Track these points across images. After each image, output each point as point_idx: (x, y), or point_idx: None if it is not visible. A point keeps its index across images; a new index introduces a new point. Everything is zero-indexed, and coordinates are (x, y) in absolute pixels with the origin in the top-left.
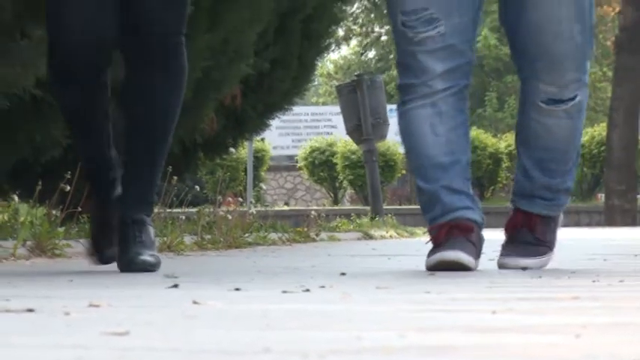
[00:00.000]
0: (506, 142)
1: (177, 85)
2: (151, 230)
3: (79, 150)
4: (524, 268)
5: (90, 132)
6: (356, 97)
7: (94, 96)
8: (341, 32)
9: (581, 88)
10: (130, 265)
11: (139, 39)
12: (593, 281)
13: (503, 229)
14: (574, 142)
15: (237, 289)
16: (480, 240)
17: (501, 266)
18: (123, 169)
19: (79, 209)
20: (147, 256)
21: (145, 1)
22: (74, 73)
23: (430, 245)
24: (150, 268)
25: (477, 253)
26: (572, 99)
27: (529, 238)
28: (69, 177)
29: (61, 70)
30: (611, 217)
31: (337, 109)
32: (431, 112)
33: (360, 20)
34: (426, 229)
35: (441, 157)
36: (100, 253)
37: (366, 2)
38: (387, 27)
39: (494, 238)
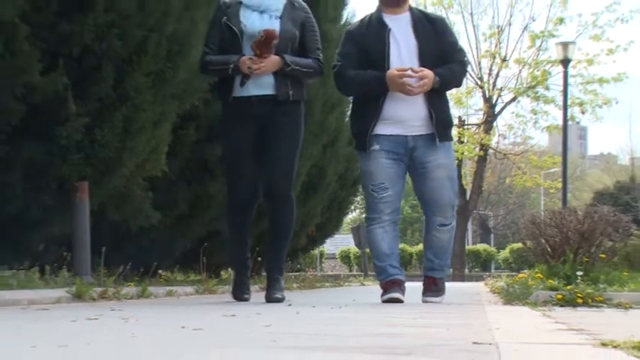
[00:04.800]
0: (414, 249)
1: (291, 213)
2: (282, 282)
3: (232, 251)
4: (432, 301)
5: (242, 239)
6: (358, 232)
7: (249, 218)
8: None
9: (453, 220)
10: (272, 298)
11: (273, 194)
12: (449, 304)
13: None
14: (450, 245)
15: (313, 307)
16: (404, 288)
17: (424, 301)
18: (269, 253)
19: (254, 274)
20: (279, 295)
21: (275, 181)
22: (242, 208)
23: (381, 290)
24: (281, 300)
25: (403, 294)
26: (450, 224)
27: (435, 288)
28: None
29: (236, 206)
30: (452, 278)
31: (350, 236)
32: (381, 232)
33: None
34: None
35: (385, 251)
36: (238, 295)
37: (361, 196)
38: None
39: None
